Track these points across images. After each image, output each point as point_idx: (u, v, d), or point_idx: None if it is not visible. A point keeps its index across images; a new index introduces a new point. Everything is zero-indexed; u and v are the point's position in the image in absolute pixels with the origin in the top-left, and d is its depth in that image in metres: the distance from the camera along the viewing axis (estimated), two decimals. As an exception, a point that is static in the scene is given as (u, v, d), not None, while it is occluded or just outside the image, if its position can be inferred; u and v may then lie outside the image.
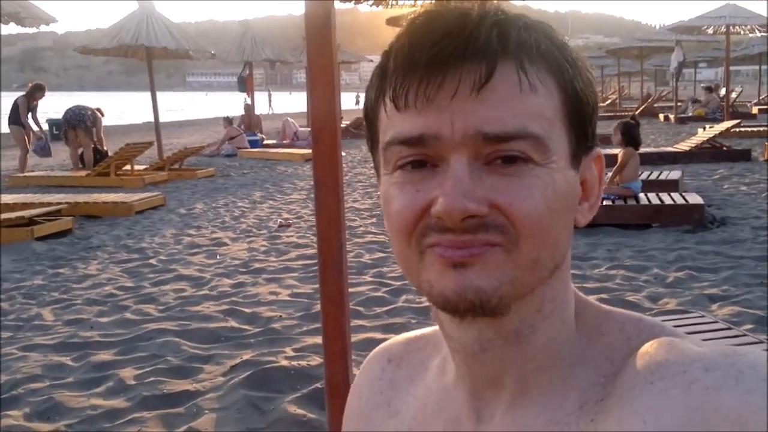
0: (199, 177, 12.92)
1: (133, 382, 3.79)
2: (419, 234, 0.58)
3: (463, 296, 0.56)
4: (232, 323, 4.70)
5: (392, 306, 4.90)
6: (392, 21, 12.75)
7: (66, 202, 8.94)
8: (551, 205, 0.57)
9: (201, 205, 9.86)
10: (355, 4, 8.74)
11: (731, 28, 18.10)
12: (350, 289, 2.79)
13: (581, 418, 0.59)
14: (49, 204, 8.79)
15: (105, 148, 13.99)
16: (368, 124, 0.64)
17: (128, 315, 4.96)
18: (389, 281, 5.51)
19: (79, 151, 13.71)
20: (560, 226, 0.59)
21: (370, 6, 9.22)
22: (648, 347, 0.58)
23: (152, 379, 3.80)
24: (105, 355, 4.21)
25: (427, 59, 0.55)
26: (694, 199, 7.49)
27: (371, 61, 33.24)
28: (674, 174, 9.51)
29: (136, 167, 12.94)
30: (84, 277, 6.06)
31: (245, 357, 4.05)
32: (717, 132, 13.43)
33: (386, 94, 0.59)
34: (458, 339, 0.64)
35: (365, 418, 0.77)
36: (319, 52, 2.16)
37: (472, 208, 0.55)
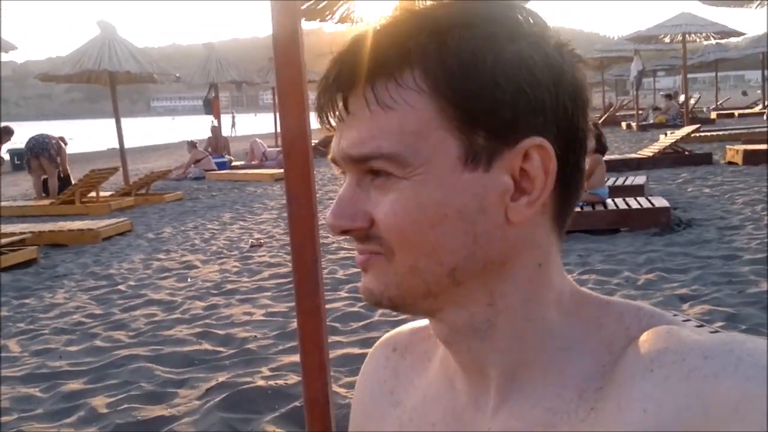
0: (166, 201, 12.78)
1: (105, 411, 3.69)
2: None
3: (365, 296, 0.64)
4: (206, 346, 4.63)
5: (369, 320, 4.88)
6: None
7: (30, 232, 8.77)
8: (416, 217, 0.58)
9: (170, 229, 9.74)
10: (320, 22, 8.78)
11: (687, 36, 18.53)
12: (326, 306, 2.75)
13: (580, 406, 0.59)
14: (13, 234, 8.60)
15: (68, 173, 13.79)
16: None
17: (98, 342, 4.85)
18: (363, 296, 5.47)
19: (42, 178, 13.49)
20: (441, 234, 0.58)
21: (335, 23, 9.25)
22: (647, 335, 0.59)
23: (125, 406, 3.71)
24: (75, 385, 4.11)
25: (318, 90, 0.62)
26: (660, 202, 7.60)
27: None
28: (639, 179, 9.65)
29: (102, 194, 12.76)
30: (51, 307, 5.93)
31: (221, 379, 3.99)
32: (678, 137, 13.68)
33: None
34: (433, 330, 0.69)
35: (369, 406, 0.78)
36: (287, 60, 2.14)
37: (341, 225, 0.61)
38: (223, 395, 3.70)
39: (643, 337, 0.59)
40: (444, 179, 0.58)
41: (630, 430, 0.54)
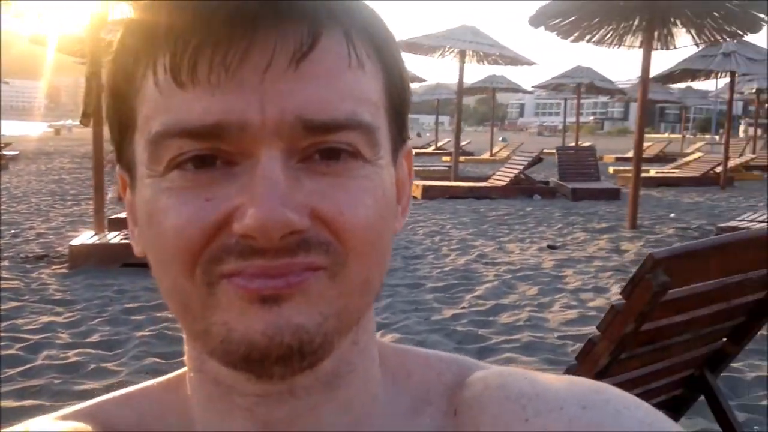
0: None
1: None
2: (210, 259, 0.42)
3: (277, 340, 0.42)
4: None
5: (29, 365, 4.11)
6: (36, 40, 12.63)
7: None
8: (382, 213, 0.45)
9: None
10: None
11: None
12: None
13: None
14: None
15: None
16: (117, 103, 0.46)
17: None
18: (25, 335, 4.65)
19: None
20: (389, 237, 0.48)
21: (12, 17, 8.75)
22: (493, 380, 0.51)
23: None
24: None
25: (225, 14, 0.41)
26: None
27: (7, 83, 29.98)
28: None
29: None
30: None
31: None
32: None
33: (158, 61, 0.43)
34: (254, 390, 0.47)
35: None
36: None
37: (294, 221, 0.41)
38: None
39: (480, 384, 0.51)
40: (388, 170, 0.48)
41: None
